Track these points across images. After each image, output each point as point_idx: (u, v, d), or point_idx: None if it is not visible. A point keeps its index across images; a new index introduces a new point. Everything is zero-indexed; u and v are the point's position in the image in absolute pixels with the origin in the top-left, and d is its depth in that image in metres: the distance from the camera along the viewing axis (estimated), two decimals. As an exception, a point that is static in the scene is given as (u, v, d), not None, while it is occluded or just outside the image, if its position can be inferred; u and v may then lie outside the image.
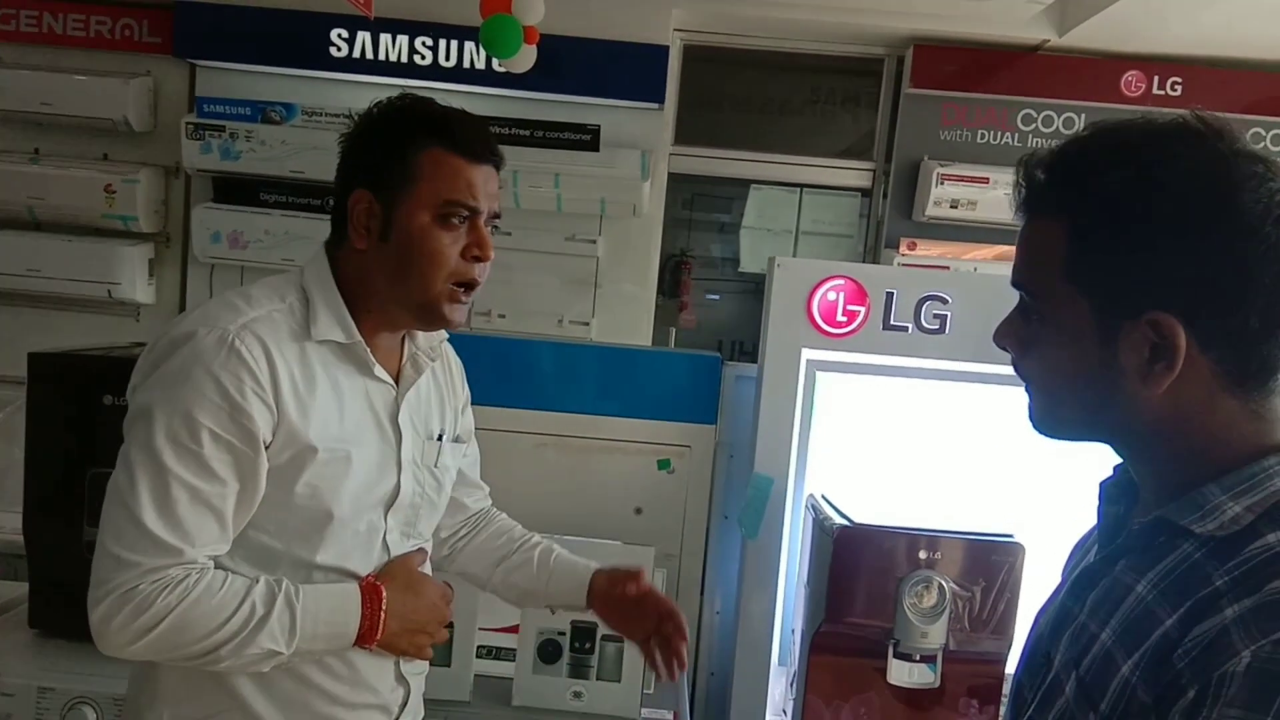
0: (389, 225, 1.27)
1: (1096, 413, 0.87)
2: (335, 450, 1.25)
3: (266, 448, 1.20)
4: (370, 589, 1.28)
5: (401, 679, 1.38)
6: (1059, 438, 0.93)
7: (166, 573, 1.15)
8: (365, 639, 1.27)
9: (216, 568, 1.21)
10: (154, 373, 1.21)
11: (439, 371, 1.46)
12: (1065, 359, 0.86)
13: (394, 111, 1.30)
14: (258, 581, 1.21)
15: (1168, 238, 0.79)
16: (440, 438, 1.43)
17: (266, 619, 1.18)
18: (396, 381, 1.36)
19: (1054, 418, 0.92)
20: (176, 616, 1.14)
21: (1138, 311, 0.81)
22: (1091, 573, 0.92)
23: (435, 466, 1.41)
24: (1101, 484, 0.97)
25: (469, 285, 1.30)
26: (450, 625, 1.77)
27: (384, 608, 1.27)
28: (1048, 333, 0.87)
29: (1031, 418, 0.94)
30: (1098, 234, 0.82)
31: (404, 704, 1.39)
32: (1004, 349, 0.93)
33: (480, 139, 1.30)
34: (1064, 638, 0.90)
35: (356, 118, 1.32)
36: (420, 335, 1.40)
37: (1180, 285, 0.79)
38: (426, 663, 1.44)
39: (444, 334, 1.46)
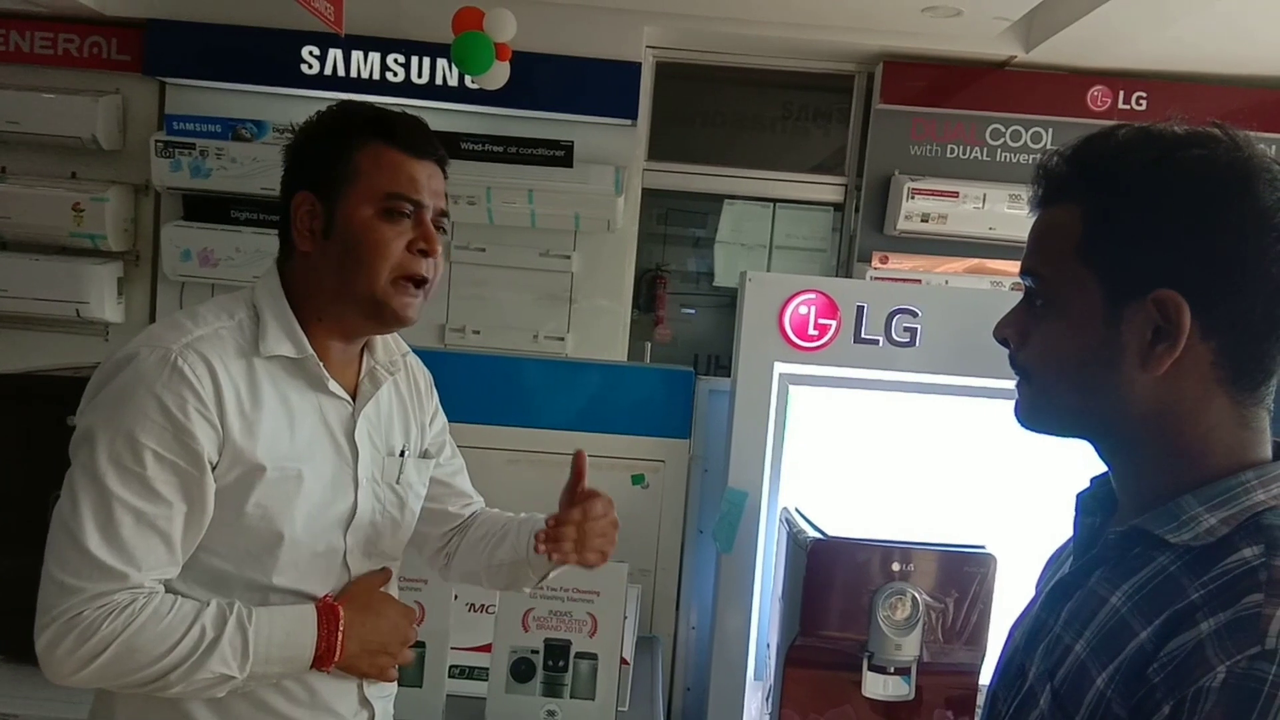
0: (331, 223, 1.25)
1: (1089, 401, 0.86)
2: (285, 469, 1.22)
3: (213, 468, 1.18)
4: (327, 610, 1.25)
5: (365, 702, 1.35)
6: (1045, 431, 0.92)
7: (112, 598, 1.13)
8: (323, 661, 1.23)
9: (167, 591, 1.19)
10: (98, 395, 1.18)
11: (402, 385, 1.43)
12: (1067, 342, 0.86)
13: (332, 115, 1.29)
14: (209, 604, 1.18)
15: (1182, 219, 0.80)
16: (403, 453, 1.40)
17: (217, 642, 1.15)
18: (354, 397, 1.33)
19: (1045, 408, 0.90)
20: (122, 643, 1.12)
21: (1145, 290, 0.81)
22: (1066, 584, 0.91)
23: (397, 483, 1.38)
24: (1078, 495, 0.97)
25: (417, 281, 1.27)
26: (421, 644, 1.77)
27: (341, 629, 1.24)
28: (1052, 316, 0.87)
29: (1019, 412, 0.93)
30: (1114, 214, 0.83)
31: None
32: (1003, 343, 0.93)
33: (421, 134, 1.28)
34: (1039, 649, 0.90)
35: (295, 128, 1.31)
36: (379, 348, 1.37)
37: (1190, 266, 0.80)
38: (393, 685, 1.41)
39: (405, 347, 1.43)
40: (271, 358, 1.24)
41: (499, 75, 3.48)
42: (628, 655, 1.91)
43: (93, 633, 1.11)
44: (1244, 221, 0.79)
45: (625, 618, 1.85)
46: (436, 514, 1.52)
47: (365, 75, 4.07)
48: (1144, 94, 4.21)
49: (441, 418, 1.54)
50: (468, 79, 3.86)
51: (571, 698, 1.79)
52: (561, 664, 1.80)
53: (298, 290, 1.28)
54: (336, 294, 1.26)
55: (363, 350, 1.36)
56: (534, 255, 4.20)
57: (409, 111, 1.33)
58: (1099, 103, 4.19)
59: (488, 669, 1.81)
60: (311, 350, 1.26)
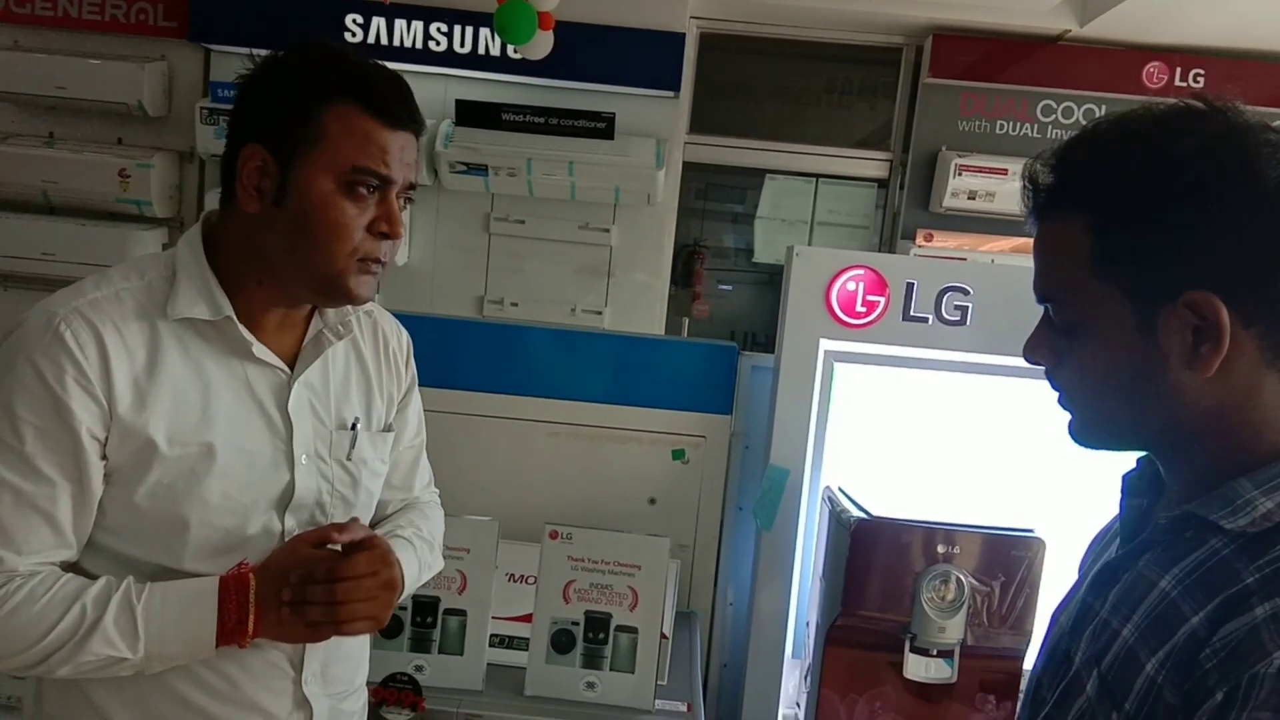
0: (285, 188, 1.12)
1: (1143, 413, 0.85)
2: (189, 446, 1.12)
3: (103, 444, 1.09)
4: (234, 581, 1.12)
5: (303, 702, 1.23)
6: (1103, 448, 0.91)
7: None
8: (233, 637, 1.11)
9: (71, 572, 1.11)
10: None
11: (367, 349, 1.31)
12: (1106, 360, 0.84)
13: (303, 59, 1.15)
14: (96, 582, 1.09)
15: (1192, 215, 0.78)
16: (355, 426, 1.27)
17: (98, 623, 1.07)
18: (294, 364, 1.21)
19: (1099, 428, 0.89)
20: None
21: (1174, 294, 0.79)
22: (1113, 568, 0.90)
23: (348, 459, 1.26)
24: (1124, 476, 0.96)
25: (377, 261, 1.16)
26: (462, 613, 1.78)
27: (253, 599, 1.11)
28: (1083, 337, 0.85)
29: (1073, 432, 0.91)
30: (1122, 223, 0.81)
31: None
32: (1036, 364, 0.91)
33: (401, 101, 1.15)
34: (1085, 634, 0.89)
35: (258, 59, 1.16)
36: (330, 310, 1.25)
37: (1212, 261, 0.78)
38: (351, 684, 1.31)
39: (368, 305, 1.29)
40: (182, 320, 1.13)
41: (542, 45, 3.45)
42: (667, 630, 1.91)
43: None
44: (1254, 207, 0.77)
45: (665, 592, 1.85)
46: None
47: (408, 44, 4.04)
48: (1201, 71, 4.09)
49: (415, 397, 1.41)
50: (510, 49, 3.83)
51: (611, 670, 1.79)
52: (602, 636, 1.80)
53: (235, 249, 1.17)
54: (285, 266, 1.15)
55: (312, 312, 1.25)
56: (573, 228, 4.18)
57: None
58: (1155, 80, 4.08)
59: (528, 639, 1.82)
60: (230, 311, 1.15)
